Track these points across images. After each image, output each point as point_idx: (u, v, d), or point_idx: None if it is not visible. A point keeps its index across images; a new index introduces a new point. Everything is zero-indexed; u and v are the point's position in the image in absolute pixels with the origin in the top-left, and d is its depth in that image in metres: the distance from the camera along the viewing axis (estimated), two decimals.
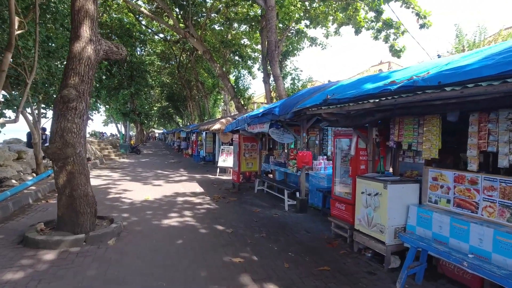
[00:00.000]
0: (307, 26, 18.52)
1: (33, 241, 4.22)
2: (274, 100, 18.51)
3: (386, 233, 3.86)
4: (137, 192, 8.60)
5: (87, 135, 22.17)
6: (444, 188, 3.61)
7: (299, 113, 5.38)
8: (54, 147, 4.44)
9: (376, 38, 14.48)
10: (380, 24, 13.81)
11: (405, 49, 13.10)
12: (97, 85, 23.59)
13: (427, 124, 3.73)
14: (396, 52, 13.54)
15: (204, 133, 17.68)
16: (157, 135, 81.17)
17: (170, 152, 29.57)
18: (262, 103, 36.96)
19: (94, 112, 18.17)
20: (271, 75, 18.65)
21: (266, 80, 17.96)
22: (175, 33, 28.33)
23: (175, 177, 11.85)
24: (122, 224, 5.26)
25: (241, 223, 5.81)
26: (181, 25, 20.70)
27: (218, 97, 36.47)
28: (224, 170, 12.99)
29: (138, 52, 29.32)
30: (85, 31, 4.70)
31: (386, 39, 14.13)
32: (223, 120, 12.54)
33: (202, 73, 33.31)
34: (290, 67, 14.80)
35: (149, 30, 27.31)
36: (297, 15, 14.76)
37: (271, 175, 10.08)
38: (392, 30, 13.71)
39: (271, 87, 18.03)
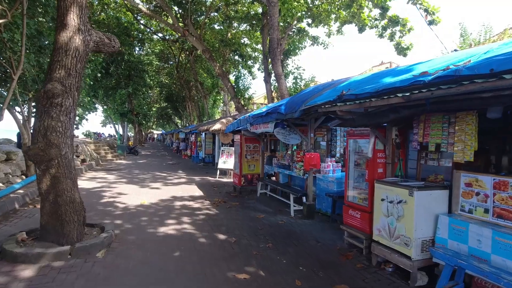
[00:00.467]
0: (309, 25, 18.10)
1: (11, 254, 3.73)
2: (276, 100, 18.07)
3: (412, 247, 3.39)
4: (133, 195, 8.11)
5: (81, 136, 21.70)
6: (481, 195, 3.14)
7: (308, 111, 4.91)
8: (36, 148, 3.96)
9: (381, 36, 14.06)
10: (385, 21, 13.38)
11: (412, 47, 12.67)
12: (93, 83, 23.16)
13: (459, 122, 3.27)
14: (402, 50, 13.11)
15: (203, 134, 17.20)
16: (156, 136, 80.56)
17: (169, 153, 29.07)
18: (262, 103, 36.52)
19: (90, 112, 17.77)
20: (272, 74, 18.29)
21: (267, 80, 17.52)
22: (174, 33, 27.96)
23: (173, 180, 11.36)
24: (114, 233, 4.77)
25: (244, 231, 5.33)
26: (180, 24, 20.24)
27: (218, 97, 36.02)
28: (224, 172, 12.51)
29: (137, 52, 28.87)
30: (72, 19, 4.22)
31: (392, 37, 13.72)
32: (223, 120, 12.07)
33: (201, 73, 32.86)
34: (292, 66, 14.38)
35: (148, 30, 26.86)
36: (299, 13, 14.32)
37: (274, 178, 9.61)
38: (398, 28, 13.28)
39: (272, 86, 17.60)
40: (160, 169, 14.81)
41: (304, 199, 6.61)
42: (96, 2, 22.90)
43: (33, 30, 7.39)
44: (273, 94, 17.70)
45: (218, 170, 12.02)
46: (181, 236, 4.97)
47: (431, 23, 11.14)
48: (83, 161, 14.42)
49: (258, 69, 28.15)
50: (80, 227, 4.34)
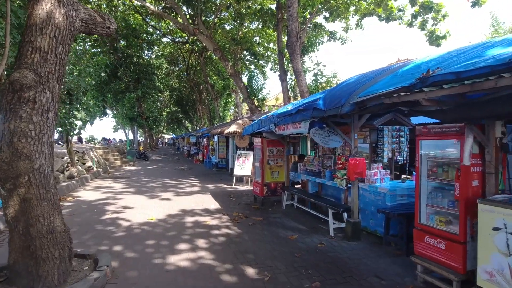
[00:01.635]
0: (325, 19, 16.84)
1: None
2: (292, 100, 16.87)
3: None
4: (139, 210, 7.03)
5: (83, 142, 20.84)
6: None
7: (362, 104, 3.69)
8: None
9: (410, 25, 12.72)
10: (416, 8, 12.02)
11: (450, 35, 11.27)
12: (101, 87, 22.48)
13: None
14: (436, 40, 11.72)
15: (216, 137, 16.12)
16: (166, 140, 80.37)
17: (180, 158, 28.16)
18: (273, 105, 35.34)
19: (96, 117, 16.93)
20: (288, 72, 17.12)
21: (282, 78, 16.35)
22: (183, 34, 27.16)
23: (185, 188, 10.26)
24: (110, 268, 3.64)
25: (278, 261, 4.13)
26: (190, 24, 19.29)
27: (229, 99, 35.03)
28: (240, 179, 11.36)
29: (146, 55, 28.18)
30: None
31: (423, 26, 12.35)
32: (239, 121, 10.95)
33: (212, 76, 31.98)
34: (312, 62, 13.16)
35: (157, 32, 26.11)
36: (319, 3, 13.12)
37: (299, 186, 8.38)
38: (431, 15, 11.91)
39: (288, 85, 16.42)
40: (170, 175, 13.77)
41: (345, 214, 5.38)
42: (104, 5, 22.30)
43: (23, 20, 6.42)
44: (289, 93, 16.52)
45: (234, 177, 10.86)
46: (198, 271, 3.80)
47: (474, 4, 9.76)
48: (90, 168, 13.52)
49: (271, 69, 27.14)
50: (63, 263, 3.23)
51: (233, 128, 10.63)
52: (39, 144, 3.03)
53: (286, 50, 16.77)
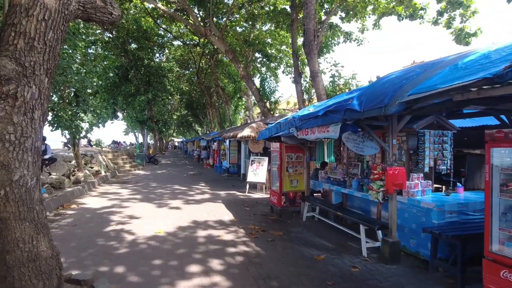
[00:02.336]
0: (341, 19, 16.16)
1: None
2: (307, 103, 16.19)
3: None
4: (147, 220, 6.44)
5: (85, 144, 20.40)
6: None
7: (418, 101, 3.00)
8: None
9: (435, 22, 11.93)
10: (443, 4, 11.22)
11: (481, 32, 10.42)
12: (111, 89, 22.25)
13: None
14: (465, 38, 10.87)
15: (227, 141, 15.54)
16: (176, 144, 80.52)
17: (190, 161, 27.72)
18: (284, 109, 34.68)
19: (105, 120, 16.53)
20: (302, 74, 16.47)
21: (297, 80, 15.67)
22: (194, 37, 26.87)
23: (195, 195, 9.66)
24: None
25: None
26: (202, 25, 18.86)
27: (239, 103, 34.57)
28: (254, 186, 10.71)
29: (157, 58, 27.99)
30: None
31: (449, 24, 11.53)
32: (253, 125, 10.33)
33: (222, 79, 31.61)
34: (329, 63, 12.44)
35: (168, 35, 25.87)
36: (337, 2, 12.46)
37: (318, 195, 7.68)
38: (458, 12, 11.09)
39: (303, 87, 15.75)
40: (180, 181, 13.22)
41: (379, 232, 4.66)
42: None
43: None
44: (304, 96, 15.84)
45: (248, 184, 10.21)
46: None
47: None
48: (98, 172, 13.09)
49: (283, 72, 26.57)
50: None
51: (246, 132, 10.02)
52: (20, 150, 2.44)
53: (300, 51, 16.20)
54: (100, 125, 24.64)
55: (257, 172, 10.00)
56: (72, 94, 8.93)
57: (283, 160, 6.90)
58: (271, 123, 11.36)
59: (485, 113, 4.25)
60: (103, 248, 4.72)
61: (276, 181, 7.28)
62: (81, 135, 8.85)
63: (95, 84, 8.98)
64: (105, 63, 23.48)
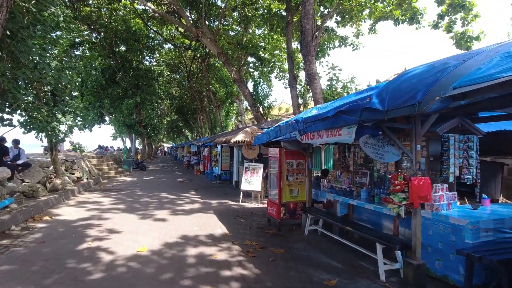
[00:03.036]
0: (337, 23, 15.81)
1: None
2: (303, 108, 15.66)
3: None
4: (128, 235, 5.65)
5: (67, 148, 19.28)
6: None
7: (468, 96, 2.41)
8: None
9: (435, 26, 11.61)
10: (444, 7, 10.90)
11: (484, 35, 10.11)
12: (97, 92, 21.30)
13: None
14: (466, 42, 10.56)
15: (219, 146, 14.82)
16: (166, 149, 79.12)
17: (179, 168, 26.78)
18: (276, 115, 34.19)
19: (86, 122, 15.65)
20: (297, 77, 15.97)
21: (292, 84, 15.19)
22: (186, 41, 26.22)
23: (184, 205, 8.89)
24: None
25: None
26: (193, 25, 18.25)
27: (231, 108, 33.95)
28: (248, 194, 10.01)
29: (147, 61, 27.18)
30: None
31: (449, 28, 11.22)
32: (247, 129, 9.67)
33: (214, 84, 31.00)
34: (323, 67, 11.96)
35: (159, 37, 25.13)
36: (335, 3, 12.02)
37: (319, 205, 7.03)
38: (459, 15, 10.79)
39: (298, 91, 15.24)
40: (168, 188, 12.39)
41: (399, 253, 4.04)
42: (105, 10, 21.35)
43: None
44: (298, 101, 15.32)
45: (241, 193, 9.50)
46: None
47: None
48: (79, 179, 12.16)
49: (275, 77, 26.17)
50: None
51: (240, 136, 9.34)
52: None
53: (295, 54, 15.75)
54: (85, 128, 23.73)
55: (252, 180, 9.31)
56: (50, 93, 8.12)
57: (283, 168, 6.24)
58: (266, 128, 10.74)
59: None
60: (73, 272, 3.94)
61: (274, 189, 6.61)
62: (59, 138, 7.97)
63: (73, 81, 8.15)
64: (92, 64, 22.64)
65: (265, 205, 9.04)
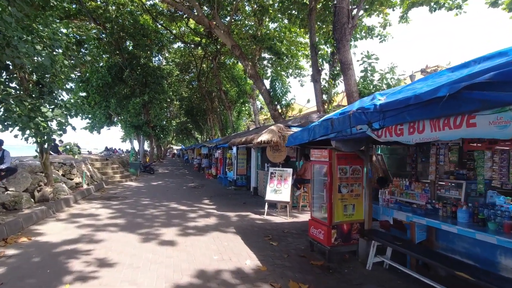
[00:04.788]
0: (365, 10, 14.12)
1: None
2: (326, 105, 13.93)
3: None
4: (124, 271, 4.06)
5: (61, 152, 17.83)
6: None
7: None
8: None
9: (494, 3, 9.77)
10: None
11: None
12: (103, 90, 20.00)
13: None
14: None
15: (234, 148, 13.23)
16: (175, 151, 78.23)
17: (189, 171, 25.31)
18: (290, 116, 32.48)
19: (79, 117, 14.24)
20: (323, 72, 14.24)
21: (315, 78, 13.55)
22: (195, 38, 24.85)
23: (197, 219, 7.29)
24: None
25: None
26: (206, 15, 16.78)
27: (243, 108, 32.39)
28: (273, 205, 8.37)
29: (155, 61, 25.88)
30: None
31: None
32: (273, 127, 8.02)
33: (225, 84, 29.60)
34: (362, 54, 10.29)
35: (168, 34, 23.79)
36: None
37: (376, 223, 5.33)
38: None
39: (322, 86, 13.56)
40: (178, 196, 10.84)
41: None
42: (114, 7, 20.09)
43: None
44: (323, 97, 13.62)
45: (266, 204, 7.85)
46: None
47: None
48: (78, 185, 10.73)
49: (290, 75, 24.62)
50: None
51: (266, 136, 7.69)
52: None
53: (320, 46, 14.08)
54: (94, 130, 22.43)
55: (279, 188, 7.66)
56: (35, 81, 6.66)
57: (334, 176, 4.58)
58: (294, 126, 9.08)
59: None
60: None
61: (319, 205, 4.97)
62: (44, 137, 6.47)
63: (67, 71, 6.68)
64: (100, 62, 21.36)
65: (296, 220, 7.39)
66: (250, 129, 19.59)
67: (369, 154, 4.70)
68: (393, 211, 4.53)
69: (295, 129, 8.32)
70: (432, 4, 12.81)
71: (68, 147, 7.78)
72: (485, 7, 9.90)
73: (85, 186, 10.94)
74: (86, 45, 19.45)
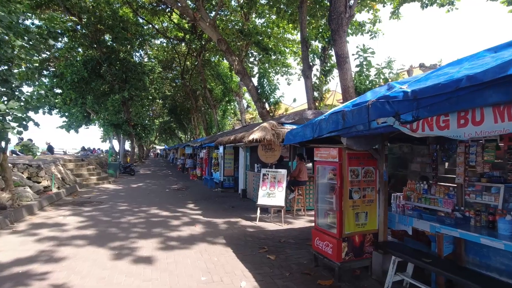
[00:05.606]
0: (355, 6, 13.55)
1: None
2: (317, 103, 13.36)
3: None
4: None
5: (43, 150, 16.39)
6: None
7: None
8: None
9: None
10: None
11: None
12: (79, 86, 18.65)
13: None
14: None
15: (221, 148, 12.41)
16: (158, 151, 76.21)
17: (173, 171, 24.19)
18: (280, 115, 31.89)
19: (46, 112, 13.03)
20: (315, 66, 13.65)
21: (306, 74, 12.94)
22: (179, 33, 23.77)
23: (182, 227, 6.43)
24: None
25: None
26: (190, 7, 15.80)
27: (228, 107, 31.48)
28: (265, 209, 7.62)
29: (137, 58, 24.56)
30: None
31: None
32: (265, 124, 7.25)
33: (209, 82, 28.64)
34: (357, 47, 9.72)
35: (150, 27, 22.54)
36: None
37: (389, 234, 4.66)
38: None
39: (313, 82, 12.96)
40: (160, 200, 9.89)
41: None
42: None
43: None
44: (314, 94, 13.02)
45: (259, 210, 7.08)
46: None
47: None
48: (46, 189, 9.60)
49: (277, 73, 24.16)
50: None
51: (258, 134, 6.91)
52: None
53: (310, 41, 13.50)
54: (71, 129, 20.95)
55: (272, 192, 6.92)
56: None
57: (345, 179, 3.87)
58: (287, 123, 8.36)
59: None
60: None
61: (325, 212, 4.25)
62: None
63: (30, 59, 5.68)
64: (73, 54, 19.87)
65: (292, 226, 6.67)
66: (236, 128, 18.73)
67: (384, 153, 4.03)
68: (413, 219, 3.87)
69: (288, 127, 7.60)
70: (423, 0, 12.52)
71: (24, 146, 6.69)
72: (479, 4, 9.52)
73: (54, 190, 9.82)
74: (60, 38, 18.12)
